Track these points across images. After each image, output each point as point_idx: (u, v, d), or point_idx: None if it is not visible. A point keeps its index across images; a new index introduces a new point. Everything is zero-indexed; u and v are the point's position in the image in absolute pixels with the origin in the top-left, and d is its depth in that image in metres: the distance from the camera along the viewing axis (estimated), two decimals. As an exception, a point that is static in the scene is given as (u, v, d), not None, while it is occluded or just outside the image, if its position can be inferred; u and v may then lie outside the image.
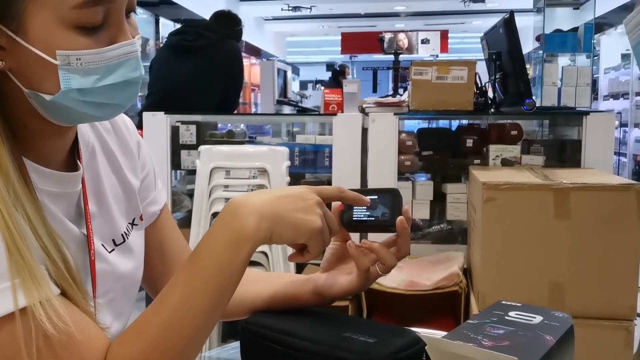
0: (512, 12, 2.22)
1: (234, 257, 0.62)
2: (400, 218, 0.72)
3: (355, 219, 0.75)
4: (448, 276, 2.06)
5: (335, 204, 0.75)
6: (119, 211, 0.76)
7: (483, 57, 2.65)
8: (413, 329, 0.77)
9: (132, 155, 0.80)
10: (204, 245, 0.64)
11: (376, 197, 0.74)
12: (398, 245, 0.73)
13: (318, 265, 0.83)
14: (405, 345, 0.70)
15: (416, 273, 2.10)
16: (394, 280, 2.05)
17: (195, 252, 0.64)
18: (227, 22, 3.06)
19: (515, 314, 0.78)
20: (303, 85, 11.73)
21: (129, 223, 0.78)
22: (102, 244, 0.72)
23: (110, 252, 0.73)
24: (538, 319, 0.77)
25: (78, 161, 0.71)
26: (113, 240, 0.74)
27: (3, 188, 0.56)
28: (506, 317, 0.77)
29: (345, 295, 0.78)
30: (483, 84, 2.44)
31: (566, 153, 2.48)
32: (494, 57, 2.35)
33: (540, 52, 4.50)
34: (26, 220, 0.57)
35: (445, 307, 2.16)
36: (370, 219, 0.74)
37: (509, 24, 2.22)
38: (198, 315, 0.61)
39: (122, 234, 0.75)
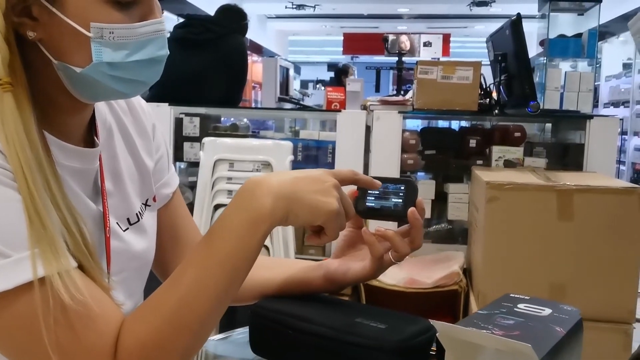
0: (519, 15, 2.23)
1: (250, 236, 0.62)
2: (412, 209, 0.71)
3: (369, 205, 0.75)
4: (448, 275, 2.07)
5: (350, 190, 0.75)
6: (134, 191, 0.76)
7: (485, 62, 2.65)
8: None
9: (147, 136, 0.80)
10: (220, 225, 0.63)
11: (391, 186, 0.74)
12: (411, 236, 0.73)
13: (319, 260, 0.83)
14: (416, 331, 0.70)
15: (416, 271, 2.10)
16: (394, 278, 2.05)
17: (211, 231, 0.64)
18: (233, 17, 3.05)
19: (525, 306, 0.79)
20: (304, 84, 11.73)
21: (143, 203, 0.78)
22: (117, 222, 0.72)
23: (124, 231, 0.73)
24: (547, 311, 0.77)
25: (95, 138, 0.71)
26: (128, 219, 0.74)
27: (32, 159, 0.56)
28: (515, 309, 0.78)
29: (358, 282, 0.78)
30: (488, 85, 2.45)
31: (568, 156, 2.49)
32: (499, 58, 2.36)
33: (543, 58, 4.51)
34: (48, 193, 0.57)
35: (444, 305, 2.16)
36: (383, 207, 0.74)
37: (515, 25, 2.23)
38: (212, 294, 0.61)
39: (136, 214, 0.75)
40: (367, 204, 0.75)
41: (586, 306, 1.73)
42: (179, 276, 0.62)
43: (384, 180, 0.74)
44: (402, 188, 0.73)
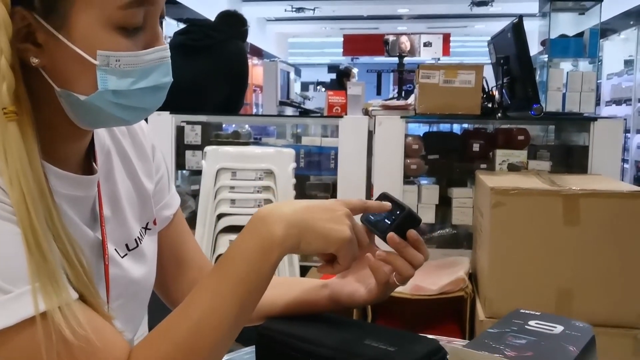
0: (520, 17, 2.21)
1: (262, 263, 0.62)
2: (390, 234, 0.72)
3: (369, 216, 0.76)
4: (454, 281, 2.05)
5: None
6: (133, 215, 0.75)
7: (485, 61, 2.64)
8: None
9: (147, 158, 0.79)
10: (232, 251, 0.63)
11: (392, 208, 0.75)
12: (406, 258, 0.72)
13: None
14: (426, 353, 0.69)
15: (422, 278, 2.09)
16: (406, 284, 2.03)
17: (224, 257, 0.63)
18: (233, 22, 3.05)
19: (536, 323, 0.77)
20: (304, 86, 11.73)
21: (143, 227, 0.77)
22: (115, 249, 0.71)
23: (122, 257, 0.72)
24: (559, 328, 0.76)
25: (94, 164, 0.69)
26: (126, 245, 0.73)
27: (35, 190, 0.55)
28: (527, 327, 0.76)
29: (363, 305, 0.77)
30: (490, 88, 2.43)
31: (573, 159, 2.47)
32: (501, 61, 2.34)
33: (544, 56, 4.49)
34: (50, 224, 0.56)
35: (450, 312, 2.14)
36: (377, 222, 0.75)
37: (517, 28, 2.21)
38: (225, 321, 0.60)
39: (135, 239, 0.74)
40: (369, 215, 0.76)
41: (594, 311, 1.74)
42: (191, 302, 0.61)
43: (392, 200, 0.75)
44: (398, 213, 0.74)
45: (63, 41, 0.57)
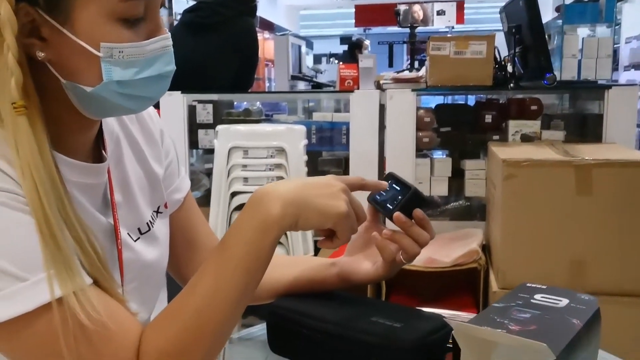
0: (532, -16, 2.17)
1: (261, 242, 0.63)
2: (396, 213, 0.74)
3: (375, 195, 0.78)
4: (467, 253, 2.06)
5: None
6: (144, 200, 0.77)
7: (501, 29, 2.60)
8: (436, 310, 0.78)
9: (155, 143, 0.81)
10: (232, 233, 0.65)
11: (398, 187, 0.77)
12: (412, 236, 0.74)
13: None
14: (431, 329, 0.70)
15: (435, 250, 2.10)
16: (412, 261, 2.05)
17: (224, 239, 0.65)
18: (242, -1, 3.02)
19: (541, 297, 0.78)
20: (317, 59, 11.63)
21: (154, 211, 0.79)
22: (128, 233, 0.73)
23: (135, 241, 0.74)
24: (564, 302, 0.77)
25: (103, 152, 0.71)
26: (138, 229, 0.75)
27: (47, 180, 0.57)
28: (532, 301, 0.77)
29: (371, 282, 0.79)
30: (502, 58, 2.40)
31: (587, 128, 2.45)
32: (513, 30, 2.31)
33: (559, 22, 4.39)
34: (62, 213, 0.58)
35: (464, 284, 2.16)
36: (383, 201, 0.77)
37: (529, -4, 2.17)
38: (228, 300, 0.62)
39: (147, 223, 0.76)
40: (375, 195, 0.78)
41: (608, 281, 1.74)
42: (196, 284, 0.64)
43: (398, 180, 0.77)
44: (405, 192, 0.75)
45: (67, 35, 0.58)
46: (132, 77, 0.60)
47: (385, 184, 0.76)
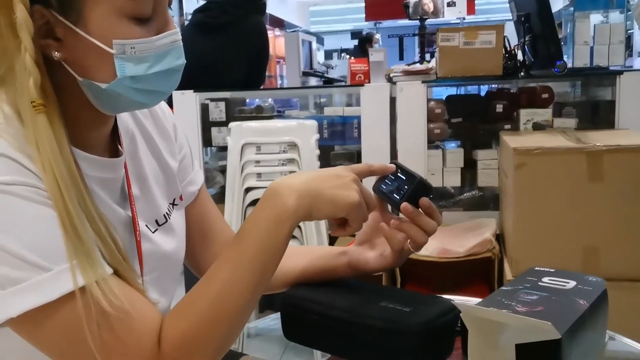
0: (540, -28, 2.16)
1: (276, 234, 0.66)
2: (404, 204, 0.75)
3: (381, 185, 0.79)
4: (480, 243, 2.07)
5: None
6: (160, 193, 0.79)
7: (512, 18, 2.59)
8: (447, 296, 0.80)
9: (169, 138, 0.83)
10: (248, 225, 0.68)
11: (405, 177, 0.78)
12: (420, 225, 0.76)
13: (351, 236, 0.86)
14: (440, 313, 0.72)
15: (448, 240, 2.11)
16: (427, 248, 2.05)
17: (241, 231, 0.68)
18: (250, -3, 3.04)
19: (549, 280, 0.80)
20: (328, 54, 11.62)
21: (170, 204, 0.81)
22: (146, 225, 0.75)
23: (153, 232, 0.76)
24: (572, 284, 0.78)
25: (120, 147, 0.74)
26: (156, 221, 0.77)
27: (67, 176, 0.59)
28: (540, 283, 0.79)
29: (380, 271, 0.81)
30: (512, 47, 2.40)
31: (599, 114, 2.43)
32: (522, 19, 2.30)
33: (571, 9, 4.36)
34: (83, 207, 0.60)
35: (478, 273, 2.17)
36: (390, 192, 0.78)
37: (537, -16, 2.17)
38: (244, 290, 0.65)
39: (164, 215, 0.79)
40: (381, 184, 0.80)
41: (622, 266, 1.74)
42: (213, 274, 0.66)
43: (404, 169, 0.78)
44: (411, 181, 0.76)
45: (80, 34, 0.61)
46: (144, 72, 0.63)
47: (392, 167, 0.77)
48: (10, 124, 0.60)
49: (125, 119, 0.77)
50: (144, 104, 0.68)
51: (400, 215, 0.77)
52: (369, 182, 0.78)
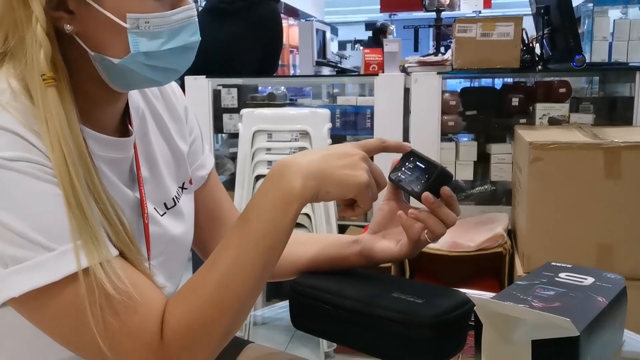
0: (561, -36, 2.12)
1: (282, 216, 0.63)
2: (425, 193, 0.72)
3: (399, 174, 0.76)
4: (492, 237, 2.04)
5: (394, 160, 0.76)
6: (170, 175, 0.78)
7: (529, 13, 2.54)
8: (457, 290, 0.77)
9: (180, 120, 0.81)
10: (252, 207, 0.65)
11: (424, 165, 0.74)
12: (439, 216, 0.73)
13: (361, 227, 0.84)
14: (453, 306, 0.70)
15: (459, 234, 2.09)
16: (437, 241, 2.04)
17: (245, 213, 0.65)
18: (266, -17, 3.01)
19: (566, 275, 0.77)
20: (342, 45, 11.56)
21: (179, 187, 0.79)
22: (155, 208, 0.74)
23: (162, 216, 0.75)
24: (589, 280, 0.76)
25: (130, 127, 0.72)
26: (164, 204, 0.76)
27: (75, 152, 0.58)
28: (556, 279, 0.76)
29: (394, 261, 0.78)
30: (530, 40, 2.36)
31: (617, 111, 2.39)
32: (542, 11, 2.26)
33: (590, 5, 4.29)
34: (90, 185, 0.59)
35: (488, 268, 2.14)
36: (409, 181, 0.75)
37: (558, -25, 2.12)
38: (249, 274, 0.62)
39: (172, 198, 0.77)
40: (398, 173, 0.76)
41: (634, 266, 1.70)
42: (217, 258, 0.64)
43: (421, 157, 0.75)
44: (431, 171, 0.73)
45: (94, 7, 0.59)
46: (158, 48, 0.61)
47: (407, 145, 0.74)
48: (17, 100, 0.59)
49: (136, 99, 0.75)
50: (157, 81, 0.66)
51: (411, 204, 0.75)
52: (382, 161, 0.74)
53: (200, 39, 0.64)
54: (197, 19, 0.64)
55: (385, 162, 0.77)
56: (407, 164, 0.75)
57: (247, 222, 0.64)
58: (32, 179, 0.56)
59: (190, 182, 0.82)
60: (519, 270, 1.84)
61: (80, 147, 0.59)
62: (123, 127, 0.72)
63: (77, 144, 0.58)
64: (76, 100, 0.61)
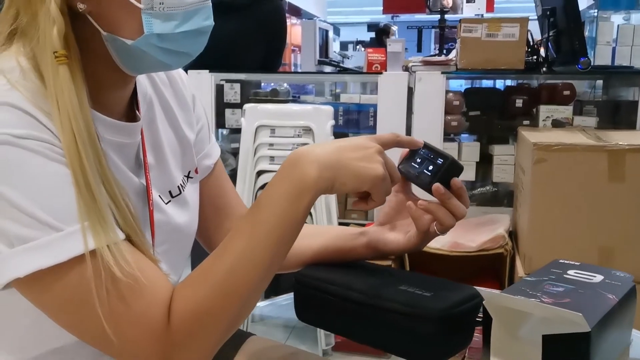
0: (568, -34, 2.11)
1: (295, 206, 0.62)
2: (435, 185, 0.71)
3: (408, 167, 0.75)
4: (493, 238, 2.03)
5: (403, 151, 0.75)
6: (175, 163, 0.77)
7: (532, 17, 2.54)
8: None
9: (187, 108, 0.80)
10: (266, 196, 0.64)
11: (435, 157, 0.74)
12: (449, 208, 0.72)
13: (362, 225, 0.83)
14: (461, 299, 0.69)
15: (460, 234, 2.08)
16: (438, 241, 2.03)
17: (258, 202, 0.64)
18: (270, -20, 3.00)
19: (575, 273, 0.77)
20: (343, 46, 11.56)
21: (185, 176, 0.79)
22: (159, 195, 0.73)
23: (167, 204, 0.74)
24: (599, 277, 0.75)
25: (137, 112, 0.71)
26: (170, 192, 0.75)
27: (85, 132, 0.57)
28: (565, 275, 0.76)
29: (401, 253, 0.78)
30: (535, 42, 2.35)
31: (621, 115, 2.38)
32: (547, 13, 2.26)
33: (593, 11, 4.30)
34: (98, 167, 0.58)
35: (489, 269, 2.14)
36: (418, 173, 0.74)
37: (565, -22, 2.12)
38: (259, 264, 0.61)
39: (178, 186, 0.76)
40: (407, 165, 0.75)
41: (636, 269, 1.69)
42: (228, 245, 0.63)
43: (432, 148, 0.74)
44: (441, 162, 0.73)
45: None
46: (172, 31, 0.60)
47: (420, 141, 0.74)
48: (26, 78, 0.58)
49: (144, 85, 0.74)
50: (168, 65, 0.65)
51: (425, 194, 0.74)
52: (394, 155, 0.74)
53: (213, 23, 0.63)
54: (211, 3, 0.63)
55: (393, 157, 0.76)
56: (416, 155, 0.75)
57: (260, 211, 0.63)
58: (40, 158, 0.55)
59: (196, 171, 0.81)
60: (520, 271, 1.84)
61: (90, 128, 0.58)
62: (130, 112, 0.71)
63: (86, 124, 0.57)
64: (86, 82, 0.60)
